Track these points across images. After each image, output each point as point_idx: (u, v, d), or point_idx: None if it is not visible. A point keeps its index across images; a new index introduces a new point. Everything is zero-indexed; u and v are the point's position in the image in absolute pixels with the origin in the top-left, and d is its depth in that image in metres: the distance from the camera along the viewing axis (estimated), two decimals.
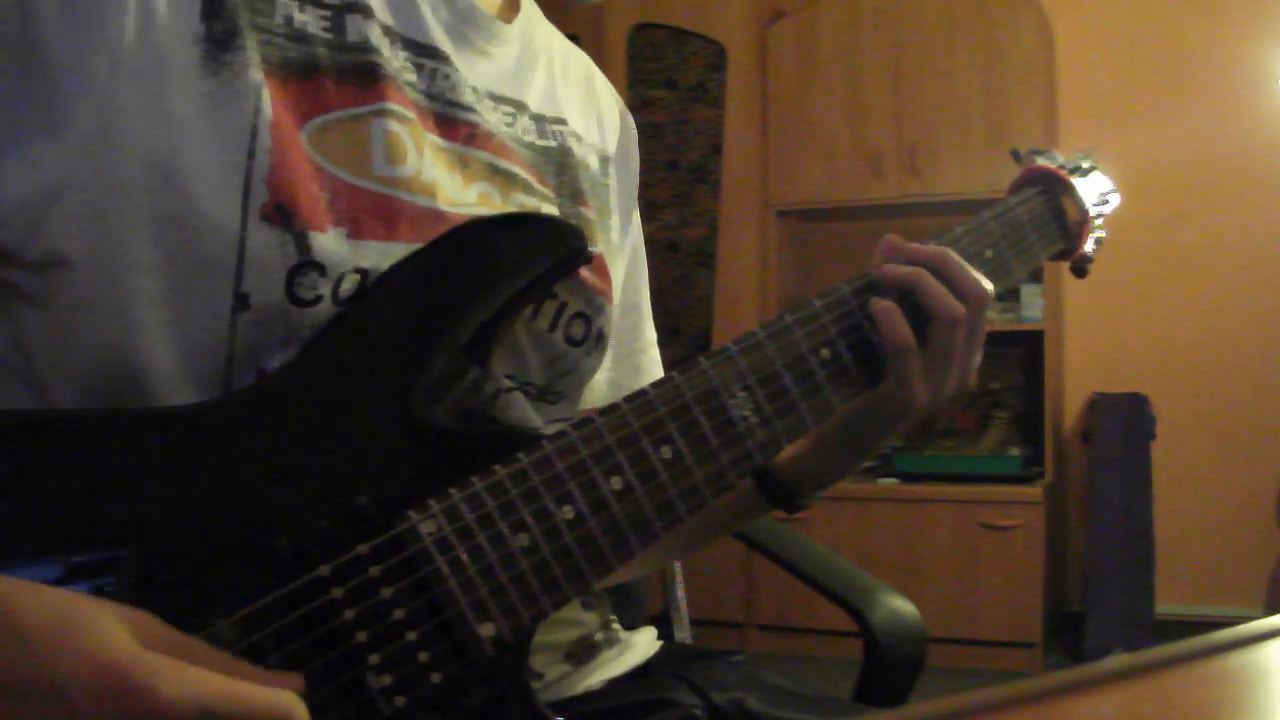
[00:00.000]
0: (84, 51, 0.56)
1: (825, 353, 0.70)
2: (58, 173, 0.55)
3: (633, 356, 0.91)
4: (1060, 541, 3.55)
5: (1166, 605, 3.35)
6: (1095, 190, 0.92)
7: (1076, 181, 0.91)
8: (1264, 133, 3.42)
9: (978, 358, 0.76)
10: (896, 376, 0.72)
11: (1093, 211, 0.91)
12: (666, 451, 0.63)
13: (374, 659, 0.56)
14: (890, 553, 3.32)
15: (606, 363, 0.87)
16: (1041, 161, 0.91)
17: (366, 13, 0.67)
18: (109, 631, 0.45)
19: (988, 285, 0.74)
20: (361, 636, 0.55)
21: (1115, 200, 0.94)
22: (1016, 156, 0.93)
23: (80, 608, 0.46)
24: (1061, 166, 0.91)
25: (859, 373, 0.72)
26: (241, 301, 0.58)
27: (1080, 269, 0.94)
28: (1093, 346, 3.63)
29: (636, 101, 3.66)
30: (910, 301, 0.73)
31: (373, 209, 0.63)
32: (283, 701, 0.48)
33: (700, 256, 3.70)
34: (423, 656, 0.57)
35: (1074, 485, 3.63)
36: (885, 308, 0.72)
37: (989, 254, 0.80)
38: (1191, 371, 3.48)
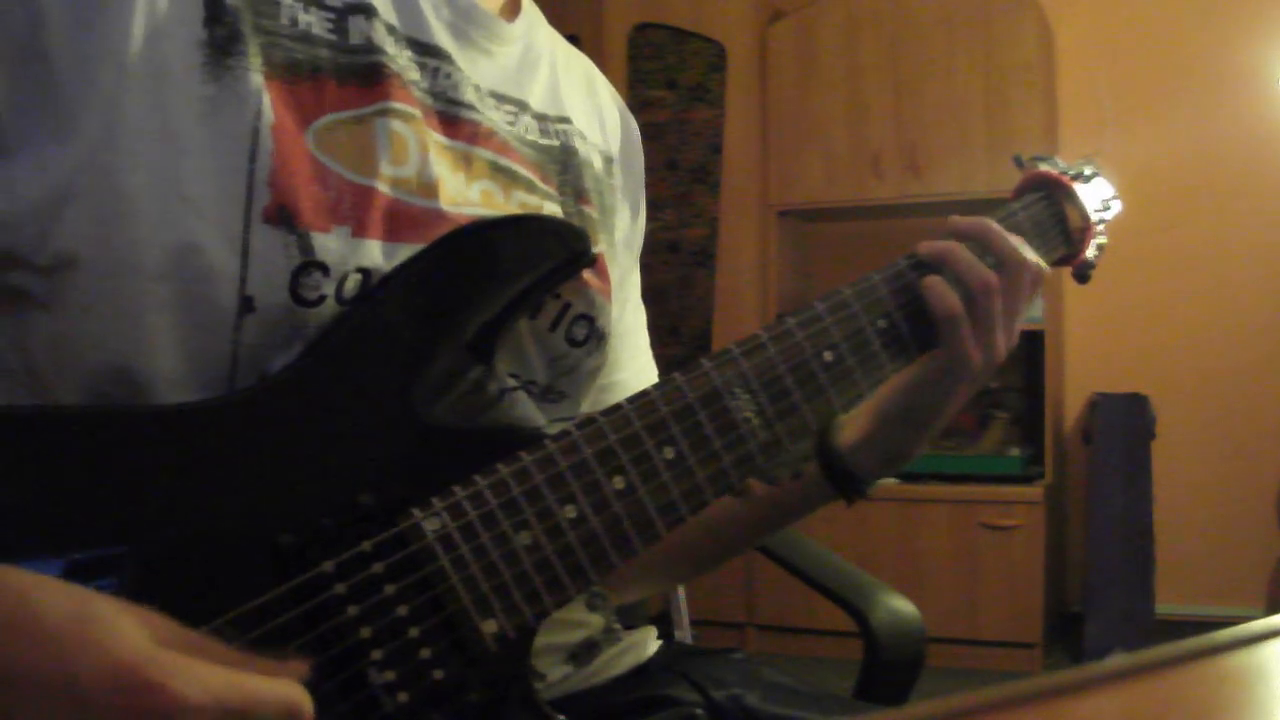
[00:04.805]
0: (90, 59, 0.56)
1: (828, 355, 0.71)
2: (66, 177, 0.56)
3: (636, 357, 0.92)
4: (1060, 541, 3.55)
5: (1166, 605, 3.35)
6: (1097, 196, 0.92)
7: (1079, 187, 0.90)
8: (1264, 133, 3.42)
9: (1021, 320, 0.79)
10: (950, 344, 0.75)
11: (1095, 217, 0.91)
12: (669, 452, 0.64)
13: (377, 655, 0.56)
14: (890, 553, 3.33)
15: (624, 362, 0.88)
16: (1044, 167, 0.91)
17: (370, 13, 0.67)
18: (125, 629, 0.45)
19: (1028, 254, 0.77)
20: (365, 632, 0.56)
21: (1117, 206, 0.93)
22: (1019, 163, 0.93)
23: (97, 605, 0.46)
24: (1064, 172, 0.91)
25: (886, 357, 0.74)
26: (246, 304, 0.59)
27: (1082, 275, 0.94)
28: (1093, 346, 3.63)
29: (636, 102, 3.66)
30: (950, 271, 0.76)
31: (376, 208, 0.64)
32: (291, 694, 0.48)
33: (700, 256, 3.70)
34: (425, 653, 0.57)
35: (1074, 485, 3.63)
36: (931, 281, 0.75)
37: (990, 260, 0.80)
38: (1191, 371, 3.48)
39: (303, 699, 0.48)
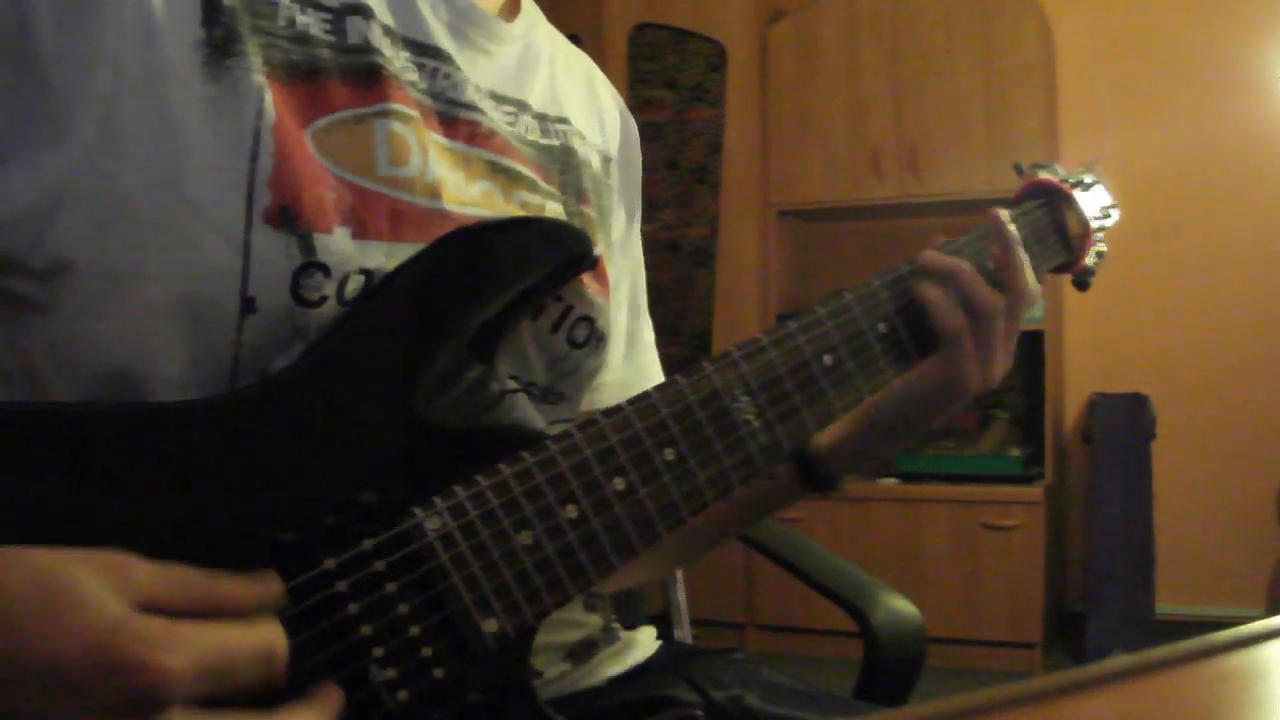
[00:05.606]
0: (84, 61, 0.56)
1: (828, 358, 0.71)
2: (61, 181, 0.55)
3: (635, 357, 0.92)
4: (1060, 541, 3.55)
5: (1166, 605, 3.35)
6: (1097, 204, 0.92)
7: (1078, 195, 0.91)
8: (1264, 133, 3.42)
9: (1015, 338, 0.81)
10: (950, 359, 0.76)
11: (1094, 224, 0.91)
12: (669, 453, 0.64)
13: (378, 653, 0.56)
14: (890, 553, 3.33)
15: (616, 364, 0.88)
16: (1043, 174, 0.91)
17: (367, 14, 0.67)
18: (95, 601, 0.45)
19: (1030, 281, 0.79)
20: (365, 630, 0.56)
21: (1116, 214, 0.94)
22: (1019, 170, 0.93)
23: (63, 576, 0.45)
24: (1064, 180, 0.91)
25: (886, 363, 0.75)
26: (248, 305, 0.59)
27: (1081, 281, 0.94)
28: (1093, 346, 3.63)
29: (636, 102, 3.66)
30: (954, 290, 0.76)
31: (377, 209, 0.64)
32: (267, 638, 0.48)
33: (700, 256, 3.70)
34: (426, 651, 0.57)
35: (1074, 485, 3.63)
36: (936, 295, 0.75)
37: (990, 265, 0.80)
38: (1191, 371, 3.48)
39: (278, 640, 0.48)
